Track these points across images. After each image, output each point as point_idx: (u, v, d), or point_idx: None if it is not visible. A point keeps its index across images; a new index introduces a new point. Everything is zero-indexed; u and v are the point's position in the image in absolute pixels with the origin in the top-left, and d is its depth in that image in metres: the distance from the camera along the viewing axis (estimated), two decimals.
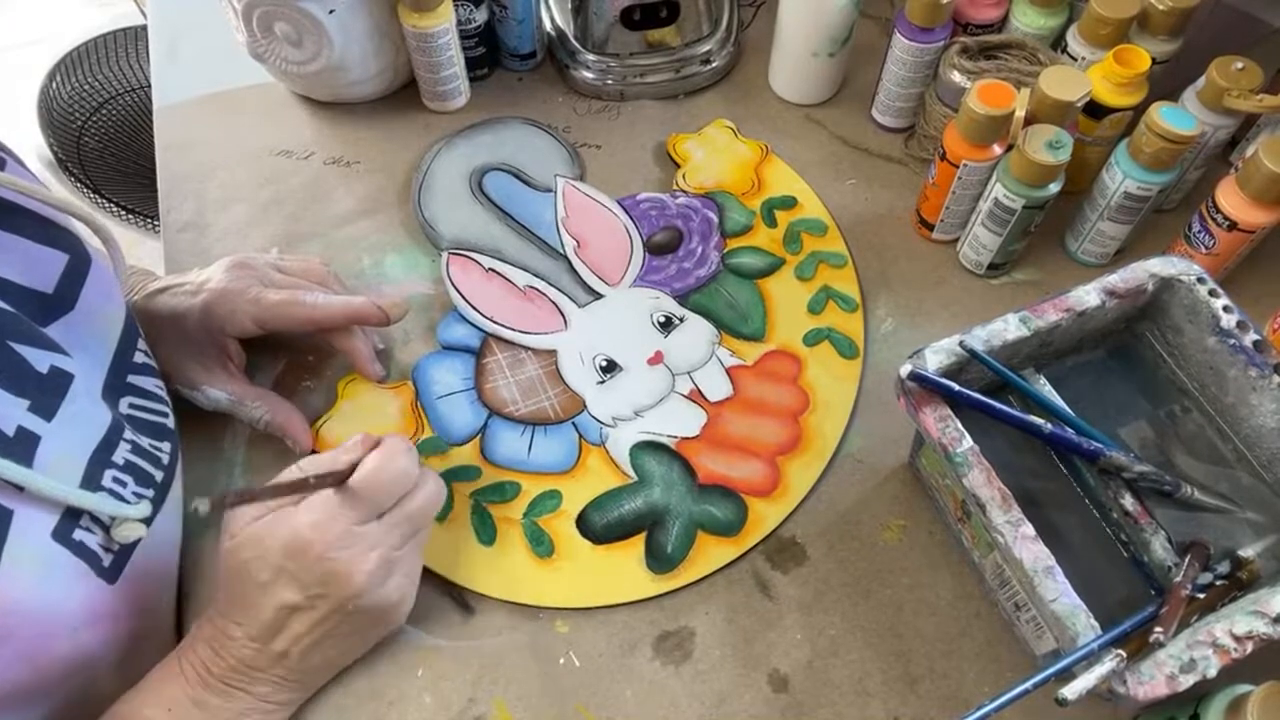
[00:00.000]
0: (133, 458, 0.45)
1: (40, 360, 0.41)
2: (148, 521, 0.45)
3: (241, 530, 0.43)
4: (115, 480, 0.44)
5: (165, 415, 0.50)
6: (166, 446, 0.49)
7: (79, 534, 0.41)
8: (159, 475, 0.47)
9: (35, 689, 0.41)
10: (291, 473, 0.45)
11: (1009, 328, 0.46)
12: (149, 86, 0.76)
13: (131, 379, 0.48)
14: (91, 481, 0.42)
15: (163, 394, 0.50)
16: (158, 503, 0.47)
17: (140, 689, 0.43)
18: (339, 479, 0.44)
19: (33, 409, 0.40)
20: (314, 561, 0.42)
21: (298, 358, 0.59)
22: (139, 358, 0.49)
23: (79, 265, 0.45)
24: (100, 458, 0.43)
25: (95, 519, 0.43)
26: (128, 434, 0.45)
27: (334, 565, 0.42)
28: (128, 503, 0.44)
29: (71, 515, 0.41)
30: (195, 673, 0.43)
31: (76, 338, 0.44)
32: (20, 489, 0.38)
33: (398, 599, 0.46)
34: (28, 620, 0.39)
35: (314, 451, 0.55)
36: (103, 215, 1.26)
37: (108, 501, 0.42)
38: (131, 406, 0.48)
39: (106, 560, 0.43)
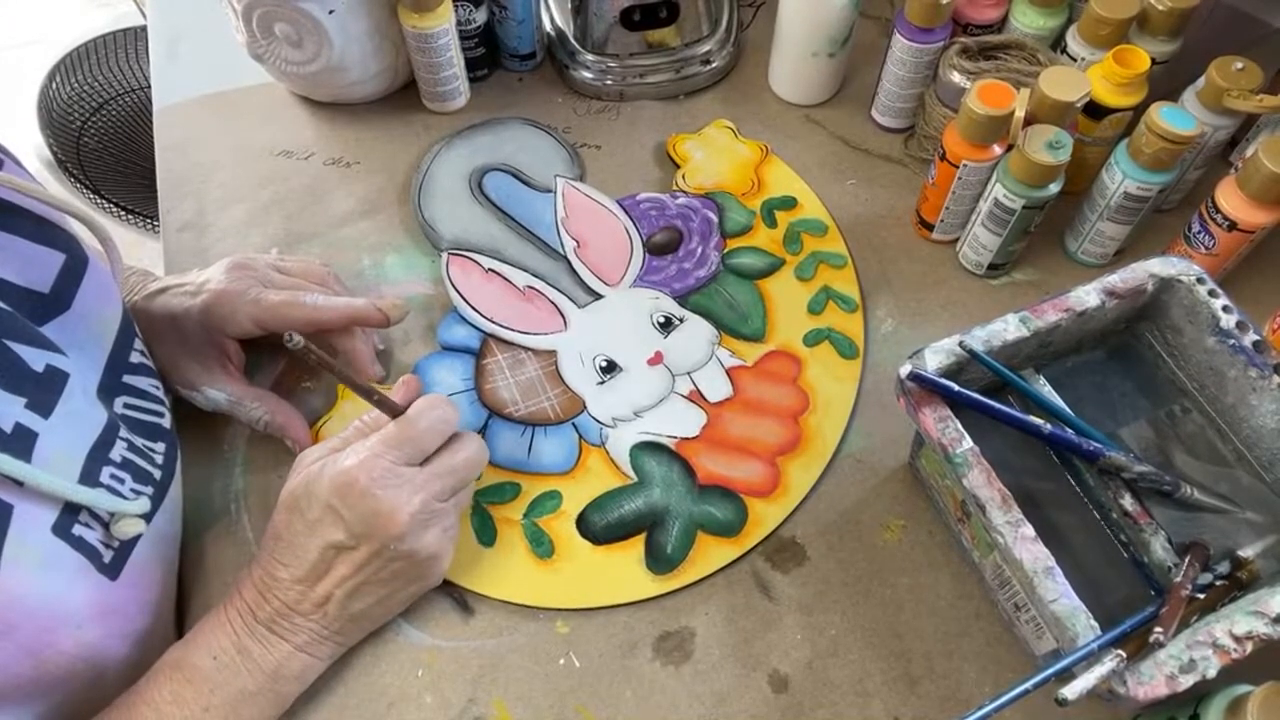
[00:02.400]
0: (130, 455, 0.46)
1: (36, 359, 0.41)
2: (147, 518, 0.45)
3: (300, 473, 0.46)
4: (113, 477, 0.44)
5: (161, 415, 0.50)
6: (161, 446, 0.49)
7: (78, 529, 0.42)
8: (156, 474, 0.47)
9: (39, 684, 0.41)
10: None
11: (1009, 328, 0.46)
12: (149, 86, 0.76)
13: (127, 379, 0.48)
14: (89, 478, 0.42)
15: (159, 394, 0.50)
16: (157, 500, 0.47)
17: (188, 638, 0.45)
18: (396, 411, 0.47)
19: (29, 406, 0.40)
20: (359, 498, 0.44)
21: (298, 358, 0.59)
22: (135, 358, 0.49)
23: (76, 265, 0.45)
24: (97, 455, 0.43)
25: (94, 515, 0.43)
26: (123, 433, 0.45)
27: (378, 503, 0.44)
28: (126, 499, 0.44)
29: (71, 511, 0.41)
30: (240, 618, 0.44)
31: (72, 337, 0.44)
32: (19, 484, 0.38)
33: (436, 551, 0.47)
34: (30, 615, 0.39)
35: None
36: (102, 215, 1.26)
37: (106, 497, 0.42)
38: (126, 406, 0.48)
39: (107, 556, 0.43)
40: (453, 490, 0.47)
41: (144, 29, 1.19)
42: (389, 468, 0.45)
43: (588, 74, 0.71)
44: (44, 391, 0.41)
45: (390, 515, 0.44)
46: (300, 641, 0.45)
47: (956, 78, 0.61)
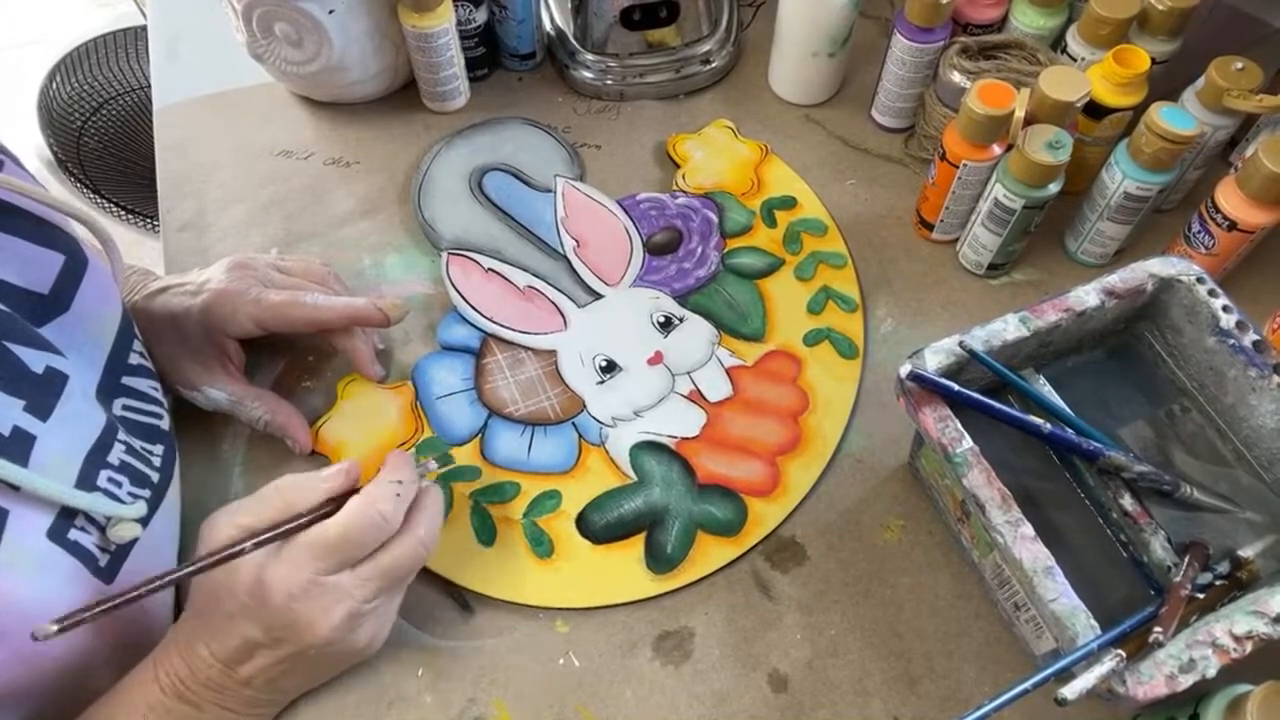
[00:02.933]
0: (128, 458, 0.45)
1: (35, 361, 0.41)
2: (144, 522, 0.45)
3: (212, 549, 0.42)
4: (110, 480, 0.44)
5: (159, 417, 0.50)
6: (159, 449, 0.49)
7: (74, 534, 0.41)
8: (154, 476, 0.47)
9: (30, 688, 0.41)
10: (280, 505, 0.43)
11: (1009, 328, 0.46)
12: (149, 86, 0.76)
13: (126, 380, 0.48)
14: (86, 481, 0.42)
15: (157, 395, 0.50)
16: (154, 504, 0.47)
17: (117, 693, 0.42)
18: (295, 531, 0.42)
19: (28, 409, 0.40)
20: (275, 609, 0.41)
21: (298, 358, 0.59)
22: (134, 359, 0.49)
23: (75, 266, 0.45)
24: (95, 458, 0.43)
25: (91, 519, 0.43)
26: (121, 435, 0.45)
27: (295, 615, 0.41)
28: (123, 503, 0.44)
29: (67, 515, 0.41)
30: (171, 683, 0.42)
31: (71, 339, 0.44)
32: (16, 489, 0.38)
33: (366, 644, 0.45)
34: (24, 619, 0.39)
35: (314, 452, 0.55)
36: (103, 215, 1.26)
37: (102, 501, 0.42)
38: (125, 408, 0.48)
39: (103, 560, 0.43)
40: (386, 590, 0.44)
41: (144, 29, 1.19)
42: (310, 580, 0.41)
43: (588, 74, 0.71)
44: (43, 394, 0.41)
45: (310, 627, 0.41)
46: (235, 706, 0.43)
47: (956, 77, 0.61)
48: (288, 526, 0.42)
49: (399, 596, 0.46)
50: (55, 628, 0.37)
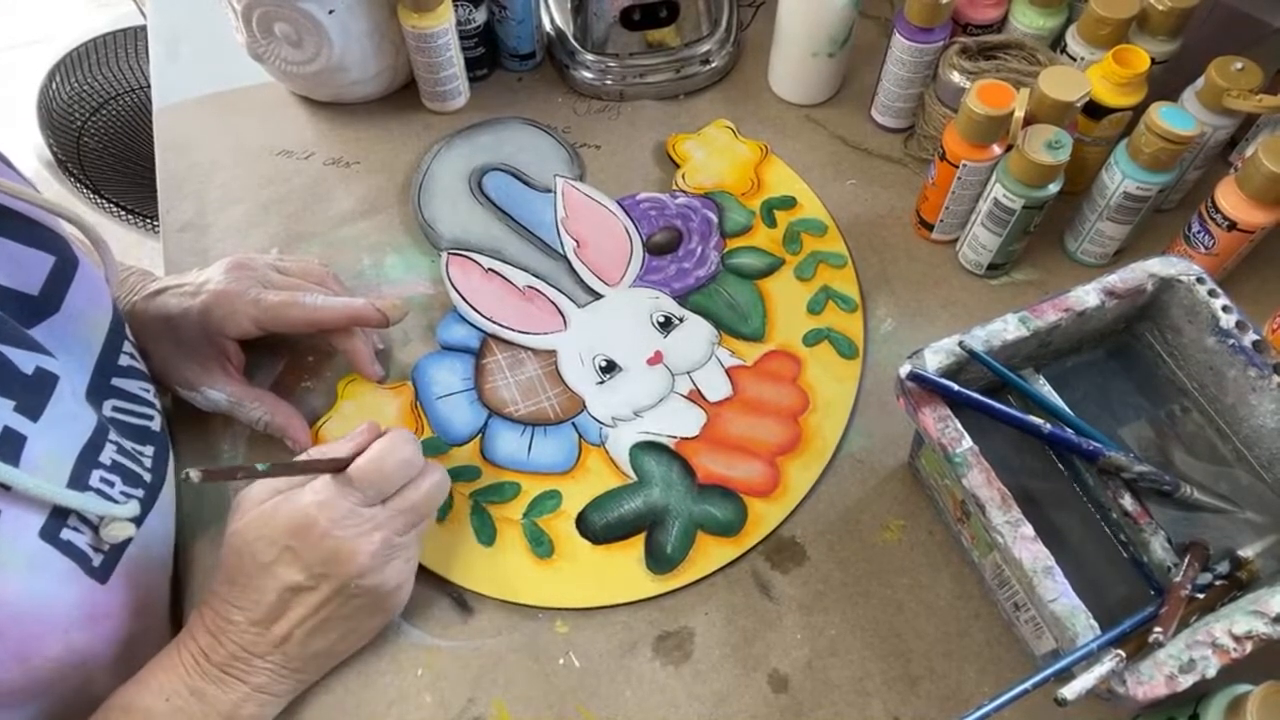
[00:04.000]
0: (120, 459, 0.45)
1: (25, 361, 0.41)
2: (137, 522, 0.45)
3: (248, 512, 0.44)
4: (103, 480, 0.44)
5: (151, 419, 0.50)
6: (150, 450, 0.49)
7: (67, 533, 0.42)
8: (147, 477, 0.47)
9: (27, 688, 0.41)
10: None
11: (1009, 328, 0.46)
12: (149, 86, 0.76)
13: (116, 381, 0.48)
14: (78, 482, 0.42)
15: (149, 397, 0.50)
16: (147, 504, 0.47)
17: (139, 679, 0.43)
18: (339, 465, 0.44)
19: (19, 409, 0.40)
20: (318, 539, 0.43)
21: (297, 358, 0.59)
22: (124, 360, 0.49)
23: (65, 268, 0.45)
24: (87, 458, 0.43)
25: (84, 519, 0.43)
26: (112, 436, 0.45)
27: (338, 543, 0.43)
28: (116, 502, 0.44)
29: (59, 515, 0.41)
30: (194, 661, 0.43)
31: (60, 340, 0.44)
32: (7, 488, 0.38)
33: (396, 584, 0.46)
34: (18, 620, 0.39)
35: None
36: (103, 216, 1.26)
37: (95, 501, 0.42)
38: (115, 409, 0.48)
39: (97, 560, 0.43)
40: (414, 524, 0.47)
41: (144, 29, 1.19)
42: (351, 509, 0.44)
43: (588, 74, 0.71)
44: (33, 394, 0.41)
45: (351, 556, 0.43)
46: (258, 682, 0.44)
47: (956, 78, 0.61)
48: (327, 460, 0.45)
49: (419, 543, 0.48)
50: (198, 474, 0.39)
